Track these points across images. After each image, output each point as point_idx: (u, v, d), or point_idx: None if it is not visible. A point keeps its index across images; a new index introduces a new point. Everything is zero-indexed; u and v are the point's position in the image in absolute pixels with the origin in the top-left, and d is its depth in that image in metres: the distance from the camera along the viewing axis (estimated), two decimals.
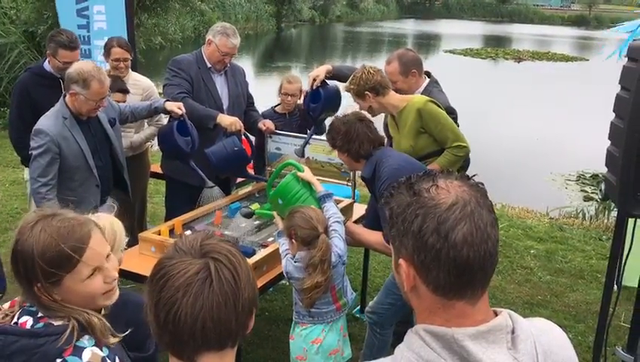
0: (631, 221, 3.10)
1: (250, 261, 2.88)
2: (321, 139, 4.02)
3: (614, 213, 5.85)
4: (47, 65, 4.04)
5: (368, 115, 3.29)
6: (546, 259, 5.51)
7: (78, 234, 1.53)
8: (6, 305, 1.63)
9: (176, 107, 3.68)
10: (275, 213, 3.25)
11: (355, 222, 3.68)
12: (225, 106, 4.06)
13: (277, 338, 3.92)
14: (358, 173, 3.37)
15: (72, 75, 3.23)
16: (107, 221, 2.02)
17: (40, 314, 1.55)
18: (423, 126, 3.34)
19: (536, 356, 1.10)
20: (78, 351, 1.49)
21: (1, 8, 10.44)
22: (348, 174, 3.94)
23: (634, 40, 3.26)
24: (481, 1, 66.65)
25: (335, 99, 4.01)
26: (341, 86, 4.04)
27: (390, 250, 1.17)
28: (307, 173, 3.19)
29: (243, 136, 3.86)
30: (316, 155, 4.04)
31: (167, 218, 4.07)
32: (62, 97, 3.34)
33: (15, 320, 1.56)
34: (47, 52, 3.98)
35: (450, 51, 28.91)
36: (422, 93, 3.65)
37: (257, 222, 3.61)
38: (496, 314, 1.12)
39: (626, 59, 2.93)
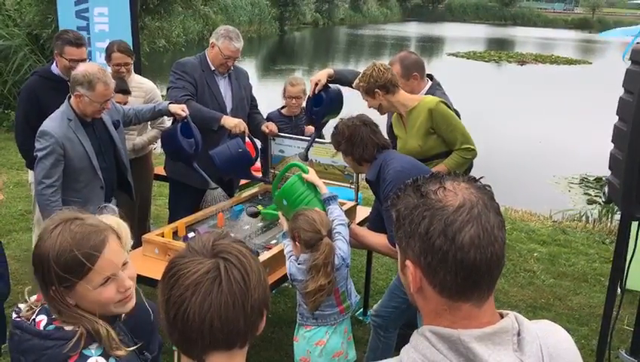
0: (634, 224, 3.10)
1: None
2: (324, 142, 4.04)
3: (618, 216, 5.84)
4: (54, 68, 4.06)
5: (373, 116, 3.29)
6: (549, 262, 5.51)
7: (92, 242, 1.53)
8: (33, 298, 1.64)
9: (180, 109, 3.70)
10: (280, 214, 3.26)
11: (359, 224, 3.69)
12: (229, 109, 4.07)
13: (280, 341, 3.93)
14: (362, 175, 3.38)
15: (78, 76, 3.25)
16: (113, 222, 2.02)
17: (54, 316, 1.56)
18: (433, 126, 3.34)
19: (542, 358, 1.10)
20: (83, 359, 1.50)
21: (5, 11, 10.47)
22: (351, 177, 3.95)
23: (637, 43, 3.26)
24: (484, 4, 66.66)
25: (337, 102, 4.01)
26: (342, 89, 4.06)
27: (394, 252, 1.17)
28: (312, 175, 3.20)
29: (247, 138, 3.87)
30: (319, 158, 4.05)
31: (171, 220, 4.08)
32: (66, 99, 3.35)
33: (34, 316, 1.58)
34: (55, 52, 3.99)
35: (454, 54, 28.91)
36: None
37: (261, 224, 3.62)
38: (502, 316, 1.13)
39: (630, 62, 2.93)
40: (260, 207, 3.64)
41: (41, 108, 3.91)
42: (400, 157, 3.13)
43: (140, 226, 4.51)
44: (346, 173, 3.94)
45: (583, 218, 7.30)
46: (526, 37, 43.12)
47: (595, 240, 6.17)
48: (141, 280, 2.90)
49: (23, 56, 9.65)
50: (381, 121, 3.37)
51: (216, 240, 1.21)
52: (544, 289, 4.94)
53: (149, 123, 4.55)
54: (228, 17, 31.01)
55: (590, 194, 8.97)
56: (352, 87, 3.97)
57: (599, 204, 8.25)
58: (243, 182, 4.61)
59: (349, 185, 4.01)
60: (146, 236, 3.31)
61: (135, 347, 1.63)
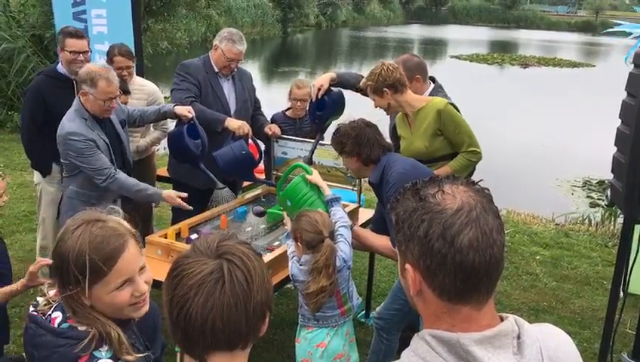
0: (637, 227, 3.10)
1: None
2: (327, 144, 4.04)
3: (620, 220, 5.83)
4: (60, 68, 4.09)
5: (373, 120, 3.29)
6: (551, 265, 5.50)
7: (112, 246, 1.54)
8: (52, 292, 1.65)
9: (186, 111, 3.72)
10: (284, 214, 3.27)
11: (361, 226, 3.69)
12: (232, 111, 4.08)
13: (282, 342, 3.93)
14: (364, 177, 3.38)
15: (82, 75, 3.31)
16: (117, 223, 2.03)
17: (68, 314, 1.57)
18: (441, 128, 3.34)
19: (542, 361, 1.11)
20: (92, 361, 1.51)
21: (9, 12, 10.51)
22: (353, 179, 3.95)
23: None
24: (487, 6, 66.63)
25: (341, 105, 4.03)
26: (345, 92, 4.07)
27: (396, 254, 1.18)
28: (315, 176, 3.20)
29: (250, 140, 3.88)
30: (322, 160, 4.05)
31: (174, 221, 4.09)
32: (77, 99, 3.40)
33: (50, 312, 1.60)
34: (58, 48, 4.03)
35: (457, 57, 28.89)
36: None
37: (263, 226, 3.63)
38: (502, 319, 1.13)
39: (632, 65, 2.94)
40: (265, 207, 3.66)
41: (46, 108, 3.97)
42: (403, 159, 3.13)
43: (143, 228, 4.52)
44: (348, 175, 3.95)
45: (586, 221, 7.29)
46: (529, 40, 43.10)
47: (598, 243, 6.16)
48: None
49: (26, 57, 9.68)
50: (381, 124, 3.37)
51: (221, 241, 1.22)
52: (546, 292, 4.93)
53: (152, 125, 4.56)
54: (231, 19, 31.07)
55: (593, 197, 8.96)
56: (354, 90, 3.99)
57: (602, 207, 8.24)
58: (246, 183, 4.62)
59: (351, 188, 4.01)
60: (149, 237, 3.32)
61: (146, 354, 1.64)
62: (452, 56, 29.27)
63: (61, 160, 3.46)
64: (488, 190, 1.14)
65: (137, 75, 4.79)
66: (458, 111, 3.41)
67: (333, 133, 3.17)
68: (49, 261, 2.15)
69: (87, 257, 1.50)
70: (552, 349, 1.14)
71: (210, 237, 1.25)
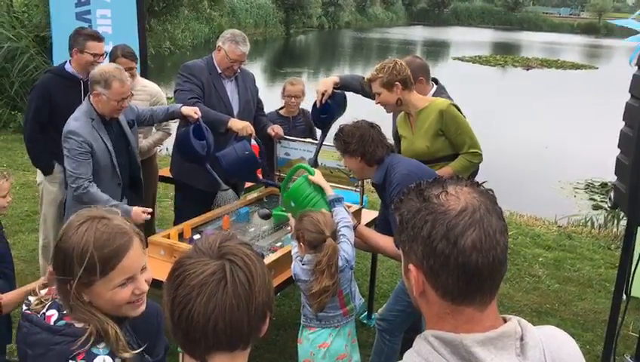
0: None
1: None
2: (330, 145, 4.04)
3: (624, 222, 5.83)
4: (68, 67, 4.09)
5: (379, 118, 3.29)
6: (554, 267, 5.49)
7: (116, 244, 1.55)
8: (44, 291, 1.65)
9: (193, 111, 3.74)
10: (289, 215, 3.27)
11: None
12: (235, 112, 4.08)
13: (284, 343, 3.93)
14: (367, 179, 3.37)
15: (95, 76, 3.34)
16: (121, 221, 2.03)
17: (65, 311, 1.57)
18: (443, 128, 3.34)
19: None
20: (90, 357, 1.51)
21: (13, 13, 10.53)
22: (356, 180, 3.95)
23: None
24: (490, 8, 66.58)
25: (344, 106, 4.03)
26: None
27: (400, 255, 1.18)
28: (318, 177, 3.20)
29: (253, 141, 3.89)
30: (325, 161, 4.05)
31: (177, 222, 4.10)
32: (87, 99, 3.43)
33: (44, 310, 1.59)
34: (74, 50, 4.00)
35: (459, 58, 28.88)
36: None
37: (266, 227, 3.63)
38: (505, 321, 1.13)
39: (636, 67, 2.93)
40: None
41: (52, 106, 3.97)
42: (407, 160, 3.13)
43: (145, 228, 4.53)
44: (351, 176, 3.95)
45: (589, 223, 7.28)
46: (532, 41, 43.04)
47: (601, 245, 6.15)
48: None
49: (29, 57, 9.69)
50: (383, 125, 3.37)
51: (222, 242, 1.22)
52: (549, 295, 4.92)
53: (154, 126, 4.57)
54: (234, 20, 31.10)
55: (596, 200, 8.94)
56: (357, 93, 3.99)
57: (605, 209, 8.22)
58: (248, 184, 4.63)
59: (354, 189, 4.01)
60: (152, 237, 3.33)
61: (140, 350, 1.64)
62: (455, 58, 29.26)
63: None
64: (492, 191, 1.14)
65: (141, 76, 4.80)
66: (460, 112, 3.41)
67: (336, 133, 3.16)
68: None
69: (94, 253, 1.50)
70: (555, 351, 1.14)
71: (211, 237, 1.25)
